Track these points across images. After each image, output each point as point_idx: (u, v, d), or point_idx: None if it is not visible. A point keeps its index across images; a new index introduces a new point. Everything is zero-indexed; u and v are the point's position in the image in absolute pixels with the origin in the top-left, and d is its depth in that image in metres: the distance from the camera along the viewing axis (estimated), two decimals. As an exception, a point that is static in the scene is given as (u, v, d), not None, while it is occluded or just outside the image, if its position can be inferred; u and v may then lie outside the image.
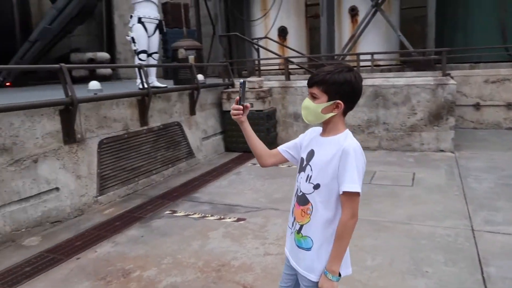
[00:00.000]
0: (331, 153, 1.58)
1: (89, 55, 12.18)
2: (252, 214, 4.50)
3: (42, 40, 9.69)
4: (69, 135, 4.57)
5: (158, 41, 6.69)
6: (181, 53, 8.29)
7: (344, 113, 1.62)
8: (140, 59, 6.32)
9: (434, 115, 7.01)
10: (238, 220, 4.33)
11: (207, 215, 4.51)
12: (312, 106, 1.61)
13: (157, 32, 6.57)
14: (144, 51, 6.37)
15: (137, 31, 6.26)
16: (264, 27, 11.45)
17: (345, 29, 10.76)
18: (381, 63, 10.10)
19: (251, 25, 11.77)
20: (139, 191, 5.52)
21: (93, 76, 11.48)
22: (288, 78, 8.33)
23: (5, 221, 3.82)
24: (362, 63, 8.99)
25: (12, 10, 13.15)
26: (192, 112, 7.07)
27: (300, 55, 10.11)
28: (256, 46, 10.01)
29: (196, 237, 3.91)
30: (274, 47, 10.61)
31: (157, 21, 6.50)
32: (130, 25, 6.41)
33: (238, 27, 12.37)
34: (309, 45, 12.56)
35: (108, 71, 12.48)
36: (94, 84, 5.26)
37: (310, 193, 1.65)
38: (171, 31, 12.57)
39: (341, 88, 1.56)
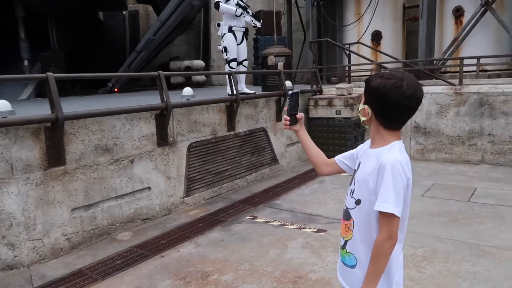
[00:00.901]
0: (371, 166, 1.50)
1: (186, 63, 12.99)
2: (334, 226, 4.33)
3: (147, 50, 10.60)
4: (162, 138, 4.90)
5: (246, 48, 6.85)
6: (271, 59, 8.40)
7: (384, 124, 1.52)
8: (230, 67, 6.52)
9: (553, 127, 6.07)
10: (319, 231, 4.19)
11: (287, 223, 4.46)
12: (359, 106, 1.59)
13: (245, 39, 6.75)
14: (234, 59, 6.56)
15: (228, 40, 6.48)
16: (357, 32, 11.07)
17: (447, 31, 9.89)
18: (488, 68, 9.06)
19: (343, 30, 11.48)
20: (223, 195, 5.69)
21: (188, 82, 12.26)
22: (379, 85, 7.91)
23: (103, 215, 4.21)
24: (466, 68, 8.17)
25: (124, 23, 14.73)
26: (278, 118, 7.10)
27: (394, 60, 9.56)
28: (347, 52, 9.71)
29: (274, 245, 3.88)
30: (367, 52, 10.19)
31: (244, 29, 6.68)
32: (219, 33, 6.66)
33: (330, 33, 12.15)
34: (405, 50, 11.83)
35: (202, 78, 13.18)
36: (187, 91, 5.57)
37: (352, 208, 1.58)
38: (263, 38, 12.86)
39: (371, 94, 1.50)
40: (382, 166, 1.44)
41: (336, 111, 7.37)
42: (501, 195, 5.03)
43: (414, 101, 1.45)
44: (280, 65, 7.94)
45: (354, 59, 9.79)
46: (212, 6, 14.06)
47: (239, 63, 6.71)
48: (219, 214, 4.89)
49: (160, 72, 4.82)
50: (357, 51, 9.93)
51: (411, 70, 9.05)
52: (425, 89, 7.20)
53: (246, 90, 6.75)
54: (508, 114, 6.37)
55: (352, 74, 9.79)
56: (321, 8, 12.14)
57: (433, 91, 7.00)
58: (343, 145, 7.34)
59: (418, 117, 7.16)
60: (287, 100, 1.74)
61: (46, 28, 10.51)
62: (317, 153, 1.80)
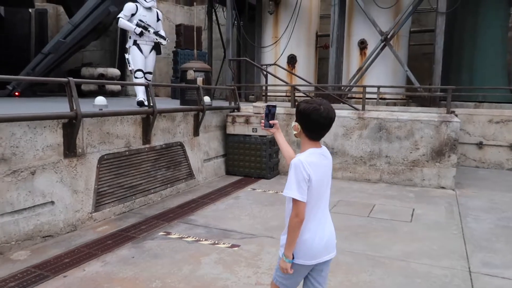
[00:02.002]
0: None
1: (100, 70, 12.36)
2: (247, 240, 4.43)
3: (55, 53, 9.85)
4: (70, 149, 4.59)
5: (154, 62, 7.21)
6: (190, 74, 8.39)
7: (308, 136, 2.07)
8: (135, 77, 6.90)
9: (436, 151, 6.97)
10: (232, 246, 4.26)
11: (201, 239, 4.45)
12: (292, 123, 2.12)
13: (153, 53, 7.09)
14: (139, 70, 6.89)
15: (132, 52, 6.87)
16: (274, 54, 11.62)
17: (353, 61, 10.89)
18: (387, 96, 10.14)
19: (261, 51, 11.96)
20: (135, 210, 5.48)
21: (102, 91, 11.65)
22: (294, 106, 8.38)
23: (-4, 232, 3.79)
24: (368, 95, 9.03)
25: (30, 22, 13.56)
26: (196, 133, 7.10)
27: (307, 83, 10.20)
28: (265, 72, 10.13)
29: (188, 261, 3.85)
30: (283, 74, 10.73)
31: (152, 43, 7.01)
32: (126, 46, 7.04)
33: (249, 52, 12.57)
34: (317, 75, 12.70)
35: (117, 87, 12.64)
36: (100, 100, 5.32)
37: (285, 197, 2.10)
38: (183, 52, 12.81)
39: (299, 114, 2.04)
40: (290, 164, 2.03)
41: (253, 128, 7.60)
42: (395, 211, 5.61)
43: (328, 120, 2.01)
44: (200, 80, 7.97)
45: (271, 79, 10.23)
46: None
47: (144, 74, 6.96)
48: (131, 230, 4.70)
49: (71, 78, 4.54)
50: (274, 72, 10.41)
51: (322, 94, 9.73)
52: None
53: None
54: (401, 138, 7.17)
55: (268, 93, 10.21)
56: (241, 28, 12.54)
57: (340, 115, 7.60)
58: (258, 161, 7.57)
59: (326, 137, 7.70)
60: (267, 111, 2.28)
61: None
62: (287, 151, 2.31)
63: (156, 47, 7.10)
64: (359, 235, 4.66)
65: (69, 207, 4.57)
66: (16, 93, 9.59)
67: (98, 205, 4.98)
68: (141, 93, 6.92)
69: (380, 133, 7.32)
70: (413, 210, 5.66)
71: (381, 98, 9.67)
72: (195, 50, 9.41)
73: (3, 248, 3.86)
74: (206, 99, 7.31)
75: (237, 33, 12.66)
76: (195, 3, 12.09)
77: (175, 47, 13.30)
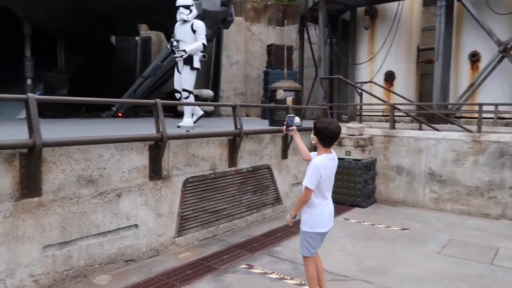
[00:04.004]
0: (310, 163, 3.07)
1: (195, 91, 12.78)
2: (339, 284, 3.82)
3: (154, 76, 10.40)
4: (155, 171, 4.49)
5: (187, 77, 6.70)
6: (279, 93, 8.08)
7: (322, 144, 3.02)
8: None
9: None
10: (321, 289, 3.67)
11: (286, 277, 3.95)
12: (311, 135, 3.07)
13: (185, 67, 6.67)
14: (176, 90, 6.76)
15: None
16: (369, 71, 10.84)
17: (462, 76, 9.59)
18: (506, 116, 8.67)
19: (355, 68, 11.27)
20: (219, 236, 5.20)
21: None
22: (393, 127, 7.54)
23: (80, 254, 3.75)
24: (482, 114, 7.78)
25: (136, 49, 14.74)
26: (284, 155, 6.69)
27: (408, 102, 9.23)
28: (360, 90, 9.41)
29: (270, 304, 3.37)
30: (379, 92, 9.89)
31: (181, 59, 6.61)
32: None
33: (342, 70, 11.94)
34: (419, 92, 11.55)
35: (210, 107, 12.91)
36: (187, 121, 5.21)
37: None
38: (273, 72, 12.66)
39: (316, 130, 3.01)
40: (310, 164, 3.02)
41: (346, 151, 6.95)
42: (528, 259, 4.49)
43: (335, 134, 2.97)
44: (289, 99, 7.60)
45: (366, 98, 9.48)
46: (224, 37, 14.11)
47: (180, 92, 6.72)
48: (212, 259, 4.40)
49: (158, 100, 4.48)
50: (370, 90, 9.64)
51: (425, 114, 8.68)
52: (441, 134, 6.78)
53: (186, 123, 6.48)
54: (532, 167, 5.91)
55: (363, 113, 9.44)
56: (333, 45, 12.01)
57: (450, 137, 6.58)
58: (352, 188, 6.86)
59: (433, 163, 6.71)
60: (290, 122, 3.22)
61: (54, 48, 10.41)
62: (303, 149, 3.24)
63: (187, 60, 6.58)
64: (482, 290, 3.73)
65: (152, 231, 4.45)
66: (120, 114, 10.27)
67: (181, 229, 4.80)
68: (187, 113, 6.54)
69: (502, 160, 6.13)
70: (554, 259, 4.47)
71: (499, 118, 8.30)
72: (285, 69, 9.14)
73: (86, 271, 3.81)
74: (296, 119, 6.88)
75: (329, 51, 12.16)
76: (286, 22, 11.90)
77: (266, 67, 13.25)
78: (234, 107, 5.65)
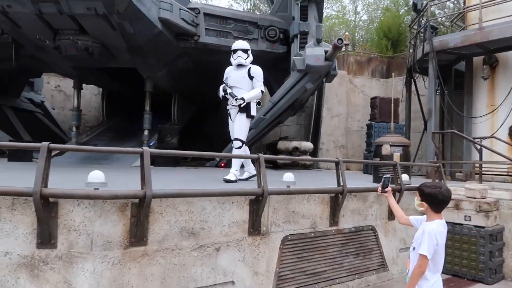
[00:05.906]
0: (421, 230, 2.85)
1: (295, 143, 12.79)
2: None
3: (256, 128, 10.69)
4: (255, 227, 4.38)
5: (241, 126, 6.05)
6: (386, 149, 7.62)
7: (434, 210, 2.86)
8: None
9: None
10: None
11: None
12: (415, 202, 3.01)
13: (239, 115, 6.02)
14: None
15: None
16: (489, 125, 9.70)
17: None
18: None
19: (471, 122, 10.21)
20: (317, 302, 4.79)
21: (294, 163, 11.93)
22: (523, 189, 6.46)
23: (177, 309, 3.71)
24: None
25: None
26: (391, 216, 6.10)
27: (541, 161, 7.94)
28: (478, 146, 8.41)
29: None
30: (503, 148, 8.73)
31: (236, 107, 6.02)
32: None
33: (455, 124, 10.93)
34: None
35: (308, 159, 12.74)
36: (288, 176, 5.08)
37: (411, 252, 2.95)
38: (378, 125, 12.14)
39: (426, 196, 2.88)
40: (424, 231, 2.80)
41: (465, 216, 6.10)
42: None
43: (448, 198, 2.85)
44: (396, 155, 7.09)
45: (486, 155, 8.41)
46: (326, 90, 14.14)
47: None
48: (309, 329, 4.01)
49: (260, 154, 4.46)
50: (490, 146, 8.56)
51: None
52: None
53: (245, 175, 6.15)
54: None
55: (483, 171, 8.35)
56: (445, 97, 11.15)
57: None
58: (473, 259, 5.91)
59: None
60: (387, 181, 3.27)
61: (169, 103, 11.47)
62: (399, 213, 3.34)
63: (244, 108, 5.94)
64: None
65: (248, 290, 4.27)
66: (222, 164, 10.67)
67: (277, 291, 4.53)
68: (234, 165, 5.88)
69: None
70: None
71: None
72: (391, 123, 8.67)
73: (182, 327, 3.74)
74: (404, 177, 6.31)
75: (440, 103, 11.29)
76: (393, 74, 11.49)
77: (369, 120, 12.80)
78: (337, 163, 5.39)
